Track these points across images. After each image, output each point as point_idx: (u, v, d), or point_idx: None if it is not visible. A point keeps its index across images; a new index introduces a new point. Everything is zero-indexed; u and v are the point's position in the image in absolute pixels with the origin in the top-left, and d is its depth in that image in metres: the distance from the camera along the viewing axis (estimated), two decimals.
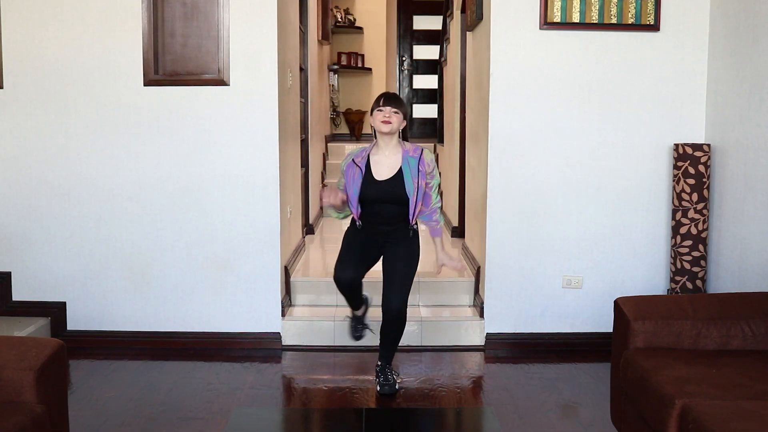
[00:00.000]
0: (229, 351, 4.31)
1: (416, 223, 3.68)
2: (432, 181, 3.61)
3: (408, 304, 3.67)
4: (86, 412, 3.44)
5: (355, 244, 3.68)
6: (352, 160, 3.61)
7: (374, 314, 3.91)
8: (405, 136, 3.66)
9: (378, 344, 3.79)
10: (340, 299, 4.61)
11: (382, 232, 3.64)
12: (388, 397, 3.66)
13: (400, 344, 4.28)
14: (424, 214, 3.67)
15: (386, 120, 3.51)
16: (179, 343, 4.36)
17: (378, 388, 3.70)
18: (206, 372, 4.02)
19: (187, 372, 4.03)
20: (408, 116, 3.63)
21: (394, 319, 3.63)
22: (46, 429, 2.40)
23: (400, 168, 3.55)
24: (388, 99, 3.56)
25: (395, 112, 3.52)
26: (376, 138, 3.61)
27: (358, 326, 3.97)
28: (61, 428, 2.59)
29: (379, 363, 3.77)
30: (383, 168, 3.57)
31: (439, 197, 3.71)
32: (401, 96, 10.05)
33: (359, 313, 3.93)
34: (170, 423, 3.37)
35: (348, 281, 3.66)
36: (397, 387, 3.71)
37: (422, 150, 3.60)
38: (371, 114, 3.58)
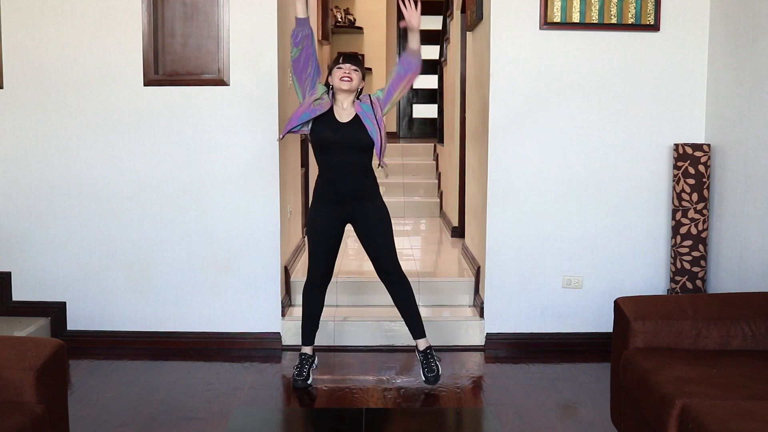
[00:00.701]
0: (229, 351, 4.31)
1: (371, 170, 3.65)
2: (386, 95, 3.59)
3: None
4: (86, 412, 3.44)
5: (317, 229, 3.68)
6: (317, 101, 3.55)
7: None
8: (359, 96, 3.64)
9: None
10: (341, 299, 4.63)
11: (345, 201, 3.63)
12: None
13: (400, 344, 4.31)
14: (401, 79, 3.58)
15: (346, 76, 3.52)
16: (179, 343, 4.36)
17: (423, 378, 3.73)
18: (206, 372, 4.02)
19: (187, 372, 4.03)
20: (364, 76, 3.63)
21: (398, 281, 3.71)
22: (46, 429, 2.40)
23: (356, 116, 3.55)
24: (348, 57, 3.59)
25: (355, 70, 3.55)
26: (334, 98, 3.59)
27: (305, 364, 3.79)
28: (61, 428, 2.59)
29: (419, 351, 3.77)
30: (343, 116, 3.57)
31: (389, 78, 3.64)
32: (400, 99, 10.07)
33: (309, 351, 3.83)
34: (170, 423, 3.37)
35: (321, 278, 3.73)
36: (440, 375, 3.74)
37: (369, 95, 3.61)
38: (329, 73, 3.59)
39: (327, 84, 3.63)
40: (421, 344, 3.78)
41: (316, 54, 3.59)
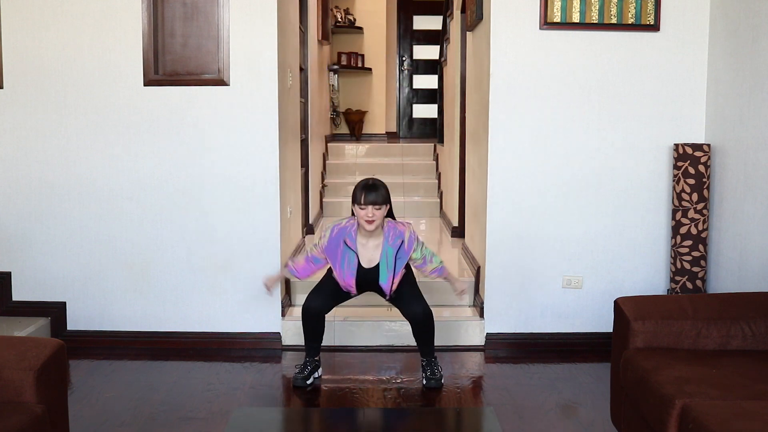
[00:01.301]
0: (229, 351, 4.31)
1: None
2: (417, 255, 3.73)
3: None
4: (86, 412, 3.44)
5: (335, 283, 3.78)
6: (343, 241, 3.65)
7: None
8: (390, 214, 3.72)
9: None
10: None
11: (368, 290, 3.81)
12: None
13: (400, 344, 4.31)
14: (423, 271, 3.84)
15: (369, 219, 3.56)
16: (179, 343, 4.36)
17: (424, 381, 3.79)
18: (206, 372, 4.02)
19: (187, 372, 4.03)
20: (390, 201, 3.64)
21: (422, 322, 3.75)
22: (46, 429, 2.40)
23: (378, 261, 3.67)
24: (368, 194, 3.55)
25: (377, 209, 3.56)
26: (356, 219, 3.66)
27: (307, 367, 3.82)
28: (61, 428, 2.59)
29: (423, 359, 3.84)
30: (366, 257, 3.68)
31: (434, 257, 3.81)
32: (400, 97, 10.07)
33: (317, 358, 3.87)
34: (170, 423, 3.37)
35: (316, 310, 3.75)
36: (443, 381, 3.79)
37: (402, 235, 3.67)
38: (353, 203, 3.60)
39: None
40: (428, 357, 3.85)
41: (335, 262, 3.71)
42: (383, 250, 3.66)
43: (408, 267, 3.81)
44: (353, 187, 3.68)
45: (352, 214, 3.68)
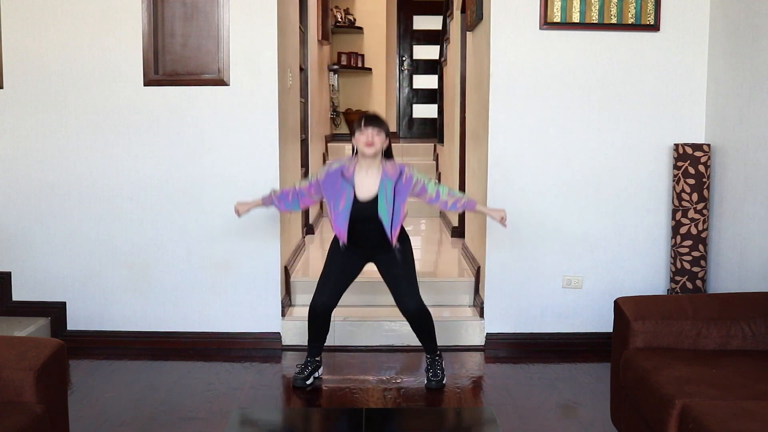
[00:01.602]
0: (229, 351, 4.31)
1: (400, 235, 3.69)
2: (417, 185, 3.64)
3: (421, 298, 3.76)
4: (86, 412, 3.44)
5: (337, 260, 3.72)
6: (341, 172, 3.60)
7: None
8: (389, 153, 3.68)
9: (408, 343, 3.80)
10: (341, 299, 4.61)
11: (366, 247, 3.69)
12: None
13: (400, 344, 4.31)
14: (445, 208, 3.76)
15: (369, 142, 3.53)
16: (179, 343, 4.36)
17: (425, 382, 3.80)
18: (206, 372, 4.02)
19: (187, 372, 4.03)
20: (389, 134, 3.64)
21: (417, 318, 3.73)
22: (46, 429, 2.40)
23: (377, 190, 3.59)
24: (370, 120, 3.57)
25: (377, 134, 3.54)
26: (357, 155, 3.61)
27: (308, 367, 3.81)
28: (61, 428, 2.59)
29: (428, 356, 3.84)
30: (364, 189, 3.60)
31: (439, 187, 3.71)
32: (400, 97, 10.07)
33: (318, 358, 3.85)
34: (170, 423, 3.37)
35: (324, 306, 3.72)
36: (444, 381, 3.79)
37: (402, 169, 3.61)
38: (353, 135, 3.60)
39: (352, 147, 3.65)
40: (431, 355, 3.86)
41: (329, 196, 3.62)
42: (381, 182, 3.58)
43: (408, 244, 3.72)
44: None
45: (353, 154, 3.64)
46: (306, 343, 4.34)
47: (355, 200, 3.59)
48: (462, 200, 3.75)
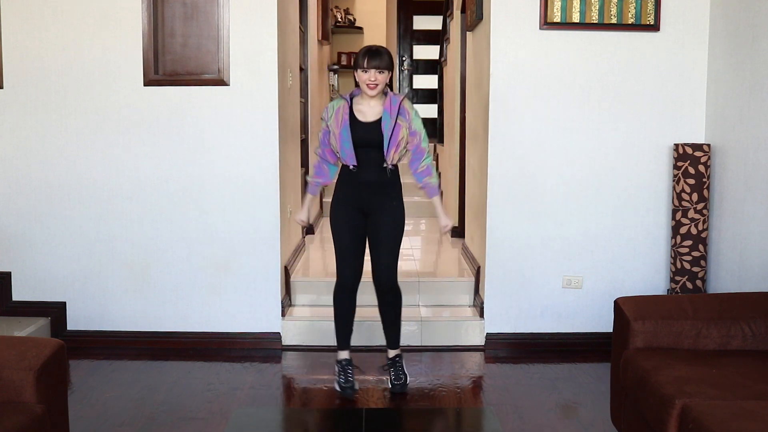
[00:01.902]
0: (229, 351, 4.31)
1: (395, 170, 3.62)
2: (414, 124, 3.57)
3: (399, 280, 3.71)
4: (86, 412, 3.44)
5: (343, 227, 3.62)
6: (344, 101, 3.55)
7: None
8: (391, 86, 3.62)
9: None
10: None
11: (366, 189, 3.59)
12: (398, 396, 3.67)
13: (400, 344, 4.30)
14: (417, 171, 3.66)
15: (372, 84, 3.48)
16: (179, 343, 4.36)
17: (390, 386, 3.72)
18: (206, 372, 4.02)
19: (187, 372, 4.03)
20: (393, 68, 3.56)
21: (390, 294, 3.67)
22: (46, 429, 2.40)
23: (382, 114, 3.54)
24: (372, 58, 3.47)
25: (380, 73, 3.48)
26: (359, 88, 3.57)
27: (348, 369, 3.72)
28: (61, 428, 2.59)
29: (389, 357, 3.77)
30: (367, 114, 3.55)
31: (430, 154, 3.67)
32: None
33: (346, 356, 3.77)
34: (170, 423, 3.37)
35: (354, 275, 3.64)
36: (408, 384, 3.72)
37: (403, 97, 3.59)
38: (355, 69, 3.53)
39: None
40: (392, 353, 3.79)
41: (335, 128, 3.57)
42: (385, 107, 3.54)
43: (402, 205, 3.67)
44: None
45: (356, 85, 3.59)
46: (307, 344, 4.37)
47: (356, 122, 3.53)
48: (431, 182, 3.68)
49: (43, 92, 4.29)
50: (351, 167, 3.56)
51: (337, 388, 3.71)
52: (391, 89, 3.63)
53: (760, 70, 3.65)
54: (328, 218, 3.75)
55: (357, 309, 3.78)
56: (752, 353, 2.85)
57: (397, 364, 3.76)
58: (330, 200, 3.76)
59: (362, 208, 3.62)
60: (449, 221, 3.80)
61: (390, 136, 3.51)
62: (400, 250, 3.69)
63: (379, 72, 3.48)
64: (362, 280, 3.72)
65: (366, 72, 3.48)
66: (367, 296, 4.60)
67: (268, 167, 4.30)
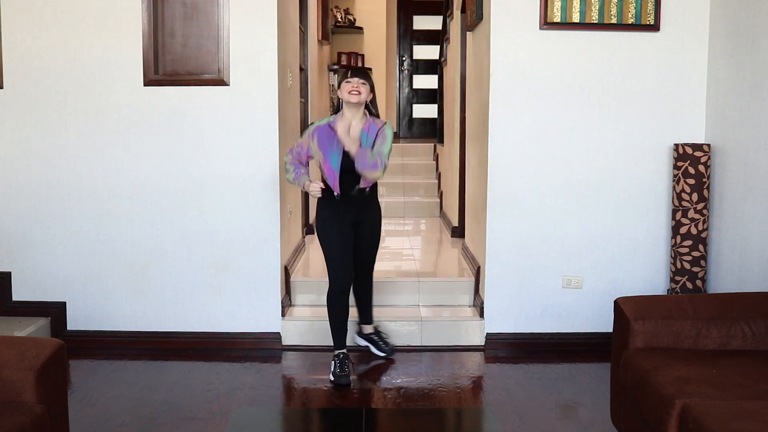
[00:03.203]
0: (229, 351, 4.31)
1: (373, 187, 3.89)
2: (383, 147, 3.71)
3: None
4: (86, 412, 3.45)
5: (334, 234, 3.83)
6: (328, 125, 3.74)
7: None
8: (372, 110, 3.81)
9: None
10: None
11: (352, 206, 3.82)
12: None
13: (400, 344, 4.32)
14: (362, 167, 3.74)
15: (354, 91, 3.67)
16: (179, 343, 4.36)
17: (382, 353, 4.12)
18: (206, 372, 4.02)
19: (187, 372, 4.03)
20: (374, 89, 3.81)
21: (370, 286, 4.11)
22: (46, 429, 2.40)
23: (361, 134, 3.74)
24: (356, 71, 3.74)
25: (363, 83, 3.70)
26: (342, 109, 3.76)
27: (345, 361, 3.88)
28: (61, 428, 2.59)
29: (366, 331, 4.18)
30: (349, 141, 3.69)
31: (382, 149, 3.73)
32: (400, 97, 10.07)
33: (344, 350, 3.94)
34: (170, 423, 3.37)
35: (347, 279, 3.87)
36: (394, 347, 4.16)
37: (385, 123, 3.79)
38: (338, 87, 3.75)
39: (336, 100, 3.82)
40: (369, 328, 4.19)
41: (324, 152, 3.79)
42: (362, 132, 3.73)
43: (380, 215, 3.98)
44: None
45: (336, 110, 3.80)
46: (307, 344, 4.37)
47: (342, 150, 3.71)
48: (370, 170, 3.71)
49: (43, 92, 4.29)
50: (335, 194, 3.79)
51: (331, 377, 3.83)
52: (377, 116, 3.84)
53: (760, 70, 3.65)
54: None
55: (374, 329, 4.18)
56: (752, 353, 2.85)
57: (380, 332, 4.18)
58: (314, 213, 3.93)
59: (350, 218, 3.85)
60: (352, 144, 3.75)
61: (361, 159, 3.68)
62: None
63: (362, 82, 3.70)
64: None
65: (349, 82, 3.70)
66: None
67: (268, 167, 4.31)
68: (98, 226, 4.36)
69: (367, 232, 3.93)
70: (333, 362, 3.88)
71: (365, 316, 4.19)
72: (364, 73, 3.75)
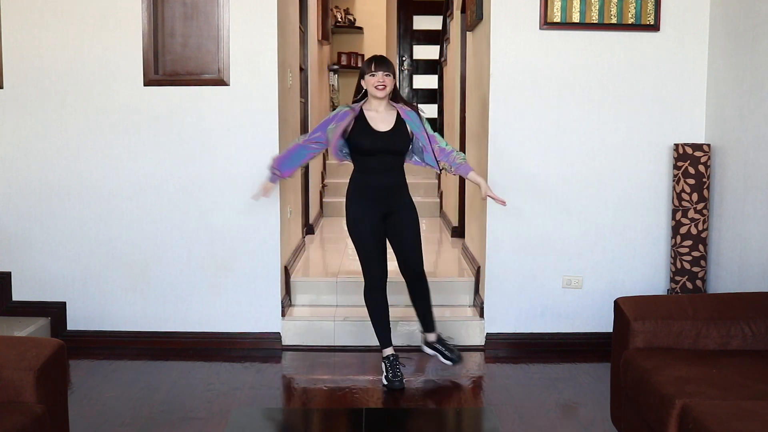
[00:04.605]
0: (229, 351, 4.31)
1: (403, 170, 3.82)
2: (429, 129, 3.77)
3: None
4: (86, 412, 3.45)
5: (365, 228, 3.74)
6: (350, 112, 3.70)
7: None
8: (395, 95, 3.78)
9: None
10: (341, 299, 4.63)
11: (384, 193, 3.74)
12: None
13: (400, 344, 4.31)
14: (448, 161, 3.79)
15: (380, 85, 3.66)
16: (179, 343, 4.36)
17: (449, 362, 3.96)
18: (206, 372, 4.02)
19: (187, 372, 4.03)
20: (396, 75, 3.79)
21: (423, 281, 3.88)
22: (46, 429, 2.40)
23: (399, 120, 3.72)
24: (379, 63, 3.67)
25: (387, 75, 3.67)
26: (366, 97, 3.75)
27: (396, 364, 3.77)
28: (61, 428, 2.59)
29: (430, 340, 3.98)
30: (380, 123, 3.71)
31: (445, 142, 3.83)
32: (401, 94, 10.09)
33: (392, 351, 3.83)
34: (170, 423, 3.37)
35: (383, 275, 3.79)
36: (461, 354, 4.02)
37: (415, 106, 3.81)
38: (362, 77, 3.72)
39: (359, 88, 3.76)
40: (432, 336, 3.96)
41: (319, 139, 3.79)
42: (402, 113, 3.73)
43: (415, 209, 3.85)
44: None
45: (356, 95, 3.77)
46: (307, 344, 4.37)
47: (372, 132, 3.69)
48: (459, 156, 3.80)
49: (43, 92, 4.29)
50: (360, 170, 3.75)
51: (385, 382, 3.76)
52: (403, 100, 3.82)
53: (760, 70, 3.65)
54: (345, 224, 3.88)
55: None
56: (752, 353, 2.85)
57: (444, 341, 3.99)
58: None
59: (381, 211, 3.76)
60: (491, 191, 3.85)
61: (428, 139, 3.72)
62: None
63: (386, 74, 3.66)
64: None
65: (374, 75, 3.66)
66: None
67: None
68: (98, 226, 4.36)
69: (401, 223, 3.79)
70: (383, 364, 3.81)
71: (426, 323, 3.96)
72: (388, 64, 3.69)
